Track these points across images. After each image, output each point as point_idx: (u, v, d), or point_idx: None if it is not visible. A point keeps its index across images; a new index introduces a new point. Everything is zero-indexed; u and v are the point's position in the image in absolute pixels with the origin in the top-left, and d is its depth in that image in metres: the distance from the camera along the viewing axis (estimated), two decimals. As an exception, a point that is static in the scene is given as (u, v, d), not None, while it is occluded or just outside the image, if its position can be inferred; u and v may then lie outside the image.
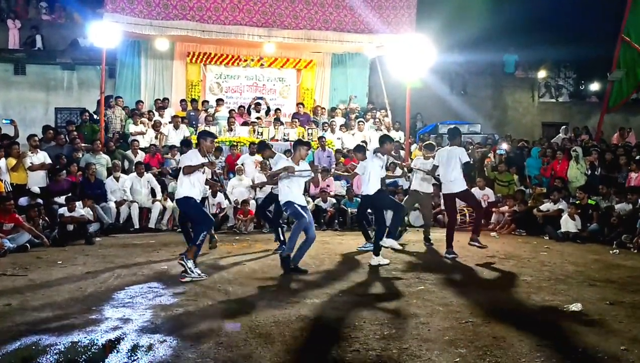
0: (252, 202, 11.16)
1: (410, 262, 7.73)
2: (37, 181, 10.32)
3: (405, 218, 11.73)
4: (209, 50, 15.19)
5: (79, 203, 9.76)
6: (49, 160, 10.60)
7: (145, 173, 11.19)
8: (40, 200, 9.68)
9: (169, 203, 11.05)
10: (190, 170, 6.52)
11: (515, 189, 12.25)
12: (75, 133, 12.13)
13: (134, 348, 4.18)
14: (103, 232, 10.17)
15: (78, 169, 11.01)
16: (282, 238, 8.30)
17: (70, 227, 9.41)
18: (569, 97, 20.77)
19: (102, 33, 11.64)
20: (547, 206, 10.89)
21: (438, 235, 9.69)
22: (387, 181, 10.21)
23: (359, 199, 9.50)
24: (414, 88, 14.22)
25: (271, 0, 13.06)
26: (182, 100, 14.76)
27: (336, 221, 11.40)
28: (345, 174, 10.78)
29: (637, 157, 11.95)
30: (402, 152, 13.04)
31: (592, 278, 6.79)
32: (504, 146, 13.91)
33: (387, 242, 7.73)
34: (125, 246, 9.02)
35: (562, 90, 20.62)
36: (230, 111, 14.18)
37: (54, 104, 15.64)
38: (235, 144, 12.76)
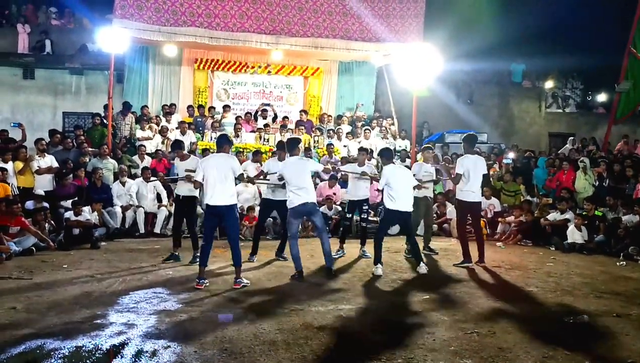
0: (257, 209, 11.14)
1: (415, 272, 7.69)
2: (43, 185, 10.36)
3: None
4: (217, 57, 15.26)
5: (87, 208, 9.78)
6: (55, 164, 10.64)
7: (151, 178, 11.20)
8: (46, 204, 9.71)
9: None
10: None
11: (522, 199, 12.20)
12: (83, 137, 12.18)
13: (138, 354, 4.18)
14: (109, 237, 10.18)
15: (85, 173, 11.04)
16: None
17: (76, 231, 9.42)
18: (576, 107, 20.70)
19: (111, 38, 11.70)
20: (553, 216, 10.84)
21: (443, 244, 9.67)
22: None
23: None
24: (421, 96, 14.21)
25: (279, 7, 13.11)
26: (189, 106, 14.82)
27: (341, 229, 11.34)
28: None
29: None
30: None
31: (599, 290, 6.75)
32: (511, 155, 13.86)
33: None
34: (131, 251, 9.03)
35: (569, 100, 20.57)
36: (237, 118, 14.22)
37: (61, 109, 15.71)
38: (241, 150, 12.78)
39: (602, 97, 20.93)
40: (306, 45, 13.38)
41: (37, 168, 10.36)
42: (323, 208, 11.42)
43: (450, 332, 4.85)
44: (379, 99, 16.99)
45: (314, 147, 13.50)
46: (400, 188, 7.63)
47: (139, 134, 13.04)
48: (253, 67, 15.60)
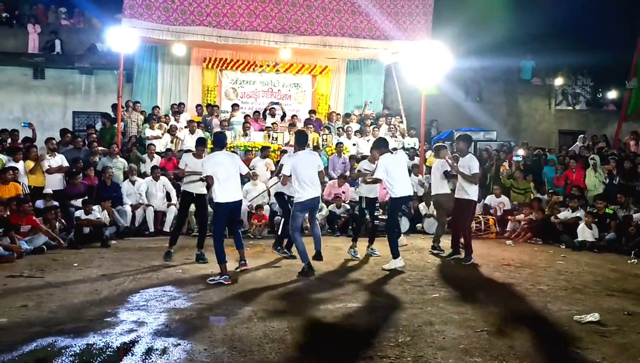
0: (267, 207, 11.17)
1: (425, 270, 7.68)
2: (54, 184, 10.44)
3: (419, 225, 11.74)
4: (225, 56, 15.29)
5: (97, 207, 9.84)
6: (66, 163, 10.72)
7: (160, 177, 11.25)
8: (56, 203, 9.78)
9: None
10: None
11: (532, 197, 12.14)
12: (95, 136, 12.25)
13: (148, 352, 4.20)
14: (119, 235, 10.24)
15: (95, 172, 11.11)
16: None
17: (87, 230, 9.48)
18: (586, 104, 20.53)
19: (120, 38, 11.76)
20: (564, 214, 10.78)
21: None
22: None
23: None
24: (430, 94, 14.16)
25: (287, 6, 13.10)
26: (197, 105, 14.86)
27: (350, 227, 11.36)
28: None
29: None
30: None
31: (610, 288, 6.70)
32: (521, 152, 13.78)
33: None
34: (141, 249, 9.08)
35: (579, 97, 20.40)
36: (246, 116, 14.24)
37: (71, 108, 15.79)
38: (250, 148, 12.80)
39: (612, 94, 20.74)
40: (314, 44, 13.37)
41: (48, 167, 10.43)
42: (332, 207, 11.43)
43: (460, 330, 4.83)
44: (388, 97, 16.95)
45: (323, 145, 13.49)
46: (397, 175, 7.69)
47: (149, 133, 13.09)
48: (261, 66, 15.61)
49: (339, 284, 6.69)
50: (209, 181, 6.95)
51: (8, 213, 8.44)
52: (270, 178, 10.79)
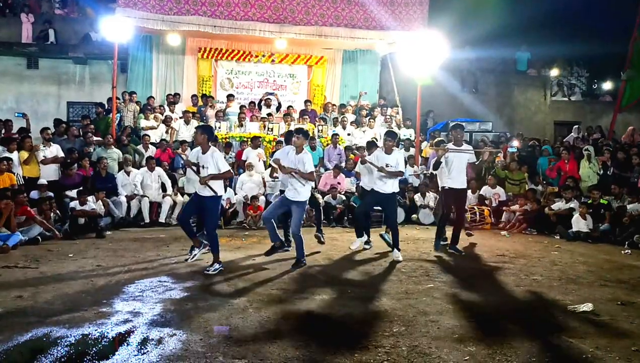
0: (262, 198, 11.17)
1: (420, 260, 7.71)
2: (49, 174, 10.41)
3: (415, 216, 11.76)
4: (220, 46, 15.23)
5: (91, 198, 9.82)
6: (61, 154, 10.68)
7: (155, 167, 11.23)
8: (51, 194, 9.75)
9: (179, 198, 11.09)
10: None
11: (527, 188, 12.17)
12: (92, 126, 12.20)
13: (144, 342, 4.20)
14: (114, 226, 10.23)
15: (90, 163, 11.07)
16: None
17: (82, 221, 9.46)
18: (582, 95, 20.56)
19: (114, 28, 11.69)
20: (558, 205, 10.82)
21: (448, 233, 9.64)
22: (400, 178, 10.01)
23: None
24: (425, 85, 14.15)
25: (283, -5, 13.05)
26: (193, 95, 14.80)
27: (345, 218, 11.39)
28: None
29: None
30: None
31: (604, 278, 6.74)
32: (515, 143, 13.81)
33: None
34: (136, 240, 9.07)
35: (574, 88, 20.43)
36: (241, 107, 14.20)
37: (66, 98, 15.73)
38: (245, 139, 12.78)
39: (607, 85, 20.78)
40: (310, 34, 13.35)
41: (43, 157, 10.39)
42: (327, 198, 11.44)
43: (454, 320, 4.86)
44: (384, 88, 16.93)
45: (318, 136, 13.47)
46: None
47: (143, 123, 13.05)
48: (257, 56, 15.57)
49: (334, 274, 6.70)
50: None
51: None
52: (267, 170, 10.70)
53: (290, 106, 14.91)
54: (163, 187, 11.29)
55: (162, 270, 6.78)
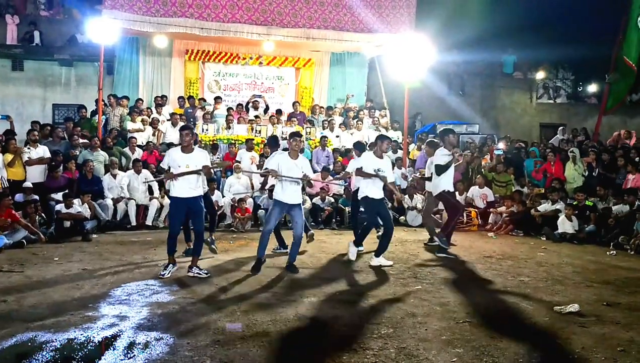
0: (250, 201, 11.14)
1: (407, 262, 7.72)
2: (34, 176, 10.27)
3: (402, 218, 11.79)
4: (208, 48, 15.16)
5: (77, 201, 9.72)
6: (48, 155, 10.55)
7: (142, 170, 11.15)
8: (36, 197, 9.64)
9: (166, 201, 11.00)
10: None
11: (513, 190, 12.25)
12: (78, 129, 12.07)
13: (131, 346, 4.18)
14: (100, 229, 10.13)
15: (76, 166, 10.97)
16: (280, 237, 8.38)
17: (67, 224, 9.36)
18: (567, 98, 20.76)
19: (101, 29, 11.59)
20: (544, 206, 10.91)
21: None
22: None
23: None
24: (413, 88, 14.19)
25: (270, -2, 13.04)
26: (179, 98, 14.73)
27: (334, 220, 11.39)
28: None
29: (637, 159, 11.97)
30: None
31: (589, 279, 6.80)
32: (501, 146, 13.90)
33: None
34: (122, 243, 9.00)
35: (560, 91, 20.62)
36: (229, 109, 14.16)
37: (51, 100, 15.56)
38: (233, 142, 12.74)
39: (593, 88, 21.00)
40: (298, 36, 13.32)
41: (28, 158, 10.27)
42: (316, 200, 11.43)
43: (442, 322, 4.87)
44: (371, 90, 16.96)
45: (307, 138, 13.46)
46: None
47: (130, 126, 12.95)
48: (244, 58, 15.52)
49: (323, 277, 6.70)
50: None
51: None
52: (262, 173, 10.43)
53: (280, 110, 14.85)
54: (150, 190, 11.21)
55: (148, 273, 6.73)
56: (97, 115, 12.60)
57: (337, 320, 4.92)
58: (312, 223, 11.27)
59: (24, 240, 8.47)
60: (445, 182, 8.23)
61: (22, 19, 15.82)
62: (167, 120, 13.44)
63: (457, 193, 10.33)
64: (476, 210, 11.70)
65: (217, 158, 12.21)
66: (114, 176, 10.98)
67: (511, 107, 19.98)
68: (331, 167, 12.53)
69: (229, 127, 13.33)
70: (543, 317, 5.12)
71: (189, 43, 14.96)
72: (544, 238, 10.30)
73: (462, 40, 17.47)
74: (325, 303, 5.43)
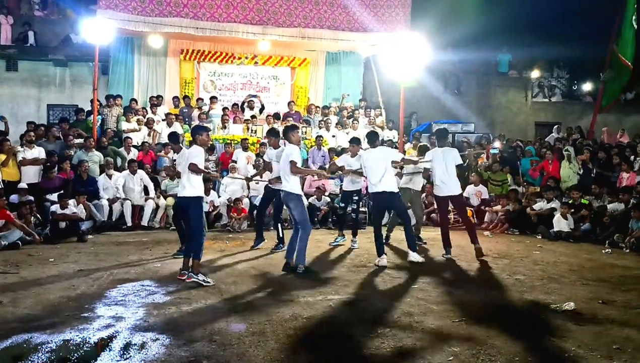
0: (246, 200, 11.13)
1: (404, 261, 7.72)
2: (29, 177, 10.24)
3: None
4: (203, 48, 15.13)
5: (72, 201, 9.69)
6: (43, 156, 10.51)
7: (138, 170, 11.13)
8: (31, 197, 9.60)
9: (162, 201, 11.00)
10: (197, 169, 6.32)
11: (509, 189, 12.28)
12: (75, 129, 12.03)
13: (127, 347, 4.16)
14: (95, 230, 10.12)
15: (70, 166, 10.93)
16: (281, 235, 8.39)
17: (63, 225, 9.33)
18: (562, 97, 20.82)
19: (95, 29, 11.56)
20: (540, 205, 10.93)
21: (432, 234, 9.71)
22: None
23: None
24: (408, 87, 14.21)
25: (266, -2, 13.03)
26: (174, 97, 14.69)
27: (329, 219, 11.39)
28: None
29: (632, 158, 12.03)
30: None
31: (585, 277, 6.82)
32: (497, 145, 13.93)
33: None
34: (118, 244, 8.98)
35: (555, 90, 20.67)
36: (224, 109, 14.14)
37: (46, 101, 15.51)
38: (229, 141, 12.73)
39: (587, 86, 21.08)
40: (293, 36, 13.32)
41: (22, 158, 10.23)
42: (312, 199, 11.43)
43: (438, 320, 4.88)
44: (367, 90, 16.97)
45: (303, 138, 13.45)
46: (371, 171, 7.59)
47: (125, 126, 12.92)
48: (240, 58, 15.50)
49: (319, 276, 6.69)
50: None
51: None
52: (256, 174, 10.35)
53: (277, 113, 14.76)
54: (145, 190, 11.19)
55: (144, 274, 6.72)
56: (91, 116, 12.55)
57: (333, 320, 4.92)
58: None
59: (19, 241, 8.44)
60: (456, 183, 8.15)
61: (16, 19, 15.76)
62: (163, 120, 13.41)
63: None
64: (472, 209, 11.72)
65: (213, 158, 12.21)
66: (110, 176, 10.96)
67: (506, 106, 20.03)
68: (327, 166, 12.52)
69: (224, 127, 13.31)
70: (539, 316, 5.13)
71: (184, 43, 14.92)
72: (540, 237, 10.32)
73: (457, 39, 17.51)
74: (321, 303, 5.43)
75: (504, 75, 20.16)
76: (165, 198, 11.00)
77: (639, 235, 8.85)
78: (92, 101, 12.67)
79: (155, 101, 14.04)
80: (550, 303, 5.48)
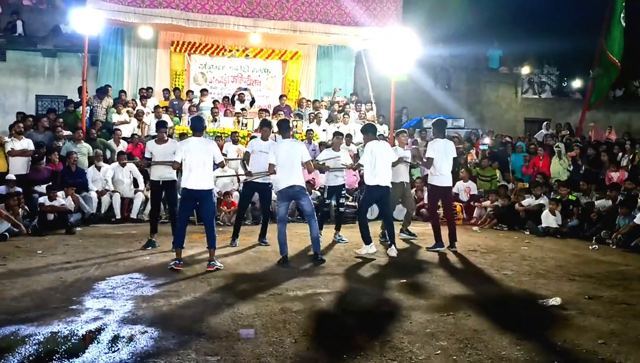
0: (236, 194, 11.10)
1: (392, 256, 7.75)
2: (17, 168, 10.16)
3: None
4: (194, 40, 15.05)
5: (61, 193, 9.62)
6: (32, 147, 10.43)
7: (127, 163, 11.06)
8: (19, 189, 9.53)
9: (152, 194, 10.94)
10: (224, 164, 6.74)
11: (498, 184, 12.34)
12: (61, 120, 11.93)
13: (115, 339, 4.15)
14: (84, 222, 10.06)
15: (59, 158, 10.85)
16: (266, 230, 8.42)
17: (51, 217, 9.27)
18: (552, 93, 20.93)
19: (85, 20, 11.47)
20: (528, 201, 11.01)
21: (421, 229, 9.75)
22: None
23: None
24: (399, 82, 14.22)
25: (257, -10, 12.97)
26: (164, 90, 14.60)
27: (319, 213, 11.37)
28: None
29: (619, 155, 12.13)
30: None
31: (572, 273, 6.88)
32: (487, 141, 13.99)
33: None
34: (107, 236, 8.94)
35: (545, 86, 20.78)
36: (214, 101, 14.08)
37: (34, 91, 15.36)
38: (219, 134, 12.68)
39: (577, 83, 21.23)
40: (285, 29, 13.28)
41: (10, 149, 10.14)
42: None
43: (426, 315, 4.91)
44: (358, 84, 16.97)
45: (294, 132, 13.43)
46: (378, 164, 7.69)
47: (115, 118, 12.84)
48: (231, 51, 15.43)
49: (308, 271, 6.71)
50: (174, 167, 6.85)
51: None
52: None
53: (266, 110, 14.67)
54: (135, 183, 11.13)
55: (133, 266, 6.70)
56: (80, 107, 12.46)
57: (322, 314, 4.94)
58: (298, 217, 11.30)
59: (6, 233, 8.39)
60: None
61: (5, 8, 15.57)
62: (152, 112, 13.33)
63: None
64: (461, 204, 11.79)
65: None
66: (99, 168, 10.89)
67: (496, 102, 20.11)
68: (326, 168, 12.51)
69: (215, 120, 13.26)
70: (526, 310, 5.17)
71: (174, 34, 14.83)
72: (528, 233, 10.39)
73: (448, 34, 17.55)
74: (310, 297, 5.44)
75: (494, 71, 20.23)
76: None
77: (625, 232, 8.92)
78: (80, 91, 12.56)
79: (145, 93, 13.95)
80: (538, 298, 5.53)
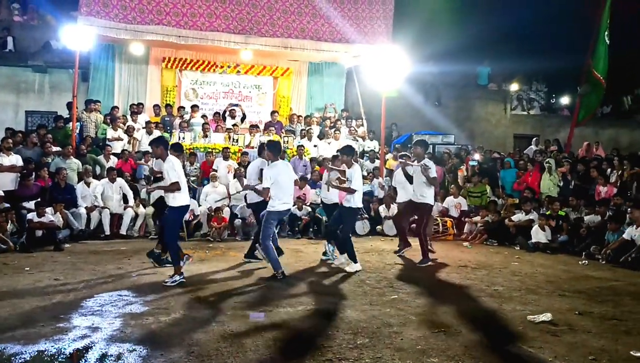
0: (226, 210, 11.08)
1: (384, 272, 7.74)
2: (5, 184, 10.08)
3: (379, 227, 11.84)
4: (185, 56, 15.09)
5: (50, 209, 9.54)
6: (20, 163, 10.36)
7: (117, 179, 11.01)
8: (7, 205, 9.44)
9: (141, 210, 10.90)
10: None
11: (488, 200, 12.39)
12: (49, 136, 11.88)
13: (103, 358, 4.10)
14: (73, 239, 9.97)
15: (48, 174, 10.78)
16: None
17: (39, 233, 9.18)
18: (540, 109, 21.15)
19: (76, 36, 11.48)
20: (518, 217, 11.05)
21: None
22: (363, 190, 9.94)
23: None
24: (389, 98, 14.31)
25: (248, 7, 13.06)
26: (155, 105, 14.60)
27: (310, 229, 11.39)
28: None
29: (608, 171, 12.23)
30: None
31: (562, 288, 6.90)
32: (476, 157, 14.07)
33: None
34: (96, 253, 8.86)
35: (533, 103, 20.99)
36: (203, 116, 14.11)
37: (24, 107, 15.30)
38: (210, 150, 12.67)
39: (565, 100, 21.47)
40: (275, 46, 13.37)
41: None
42: (293, 209, 11.41)
43: (417, 331, 4.89)
44: (349, 100, 17.07)
45: (285, 148, 13.45)
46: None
47: (110, 134, 12.83)
48: (222, 67, 15.48)
49: (299, 287, 6.68)
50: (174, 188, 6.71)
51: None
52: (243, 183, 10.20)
53: (257, 125, 14.67)
54: (125, 199, 11.08)
55: (122, 283, 6.64)
56: (70, 123, 12.41)
57: (312, 330, 4.91)
58: (289, 233, 11.30)
59: (-7, 250, 8.29)
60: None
61: (-5, 24, 15.56)
62: (143, 128, 13.31)
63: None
64: (451, 219, 11.82)
65: (195, 168, 12.16)
66: (88, 184, 10.84)
67: (486, 118, 20.27)
68: (309, 176, 12.54)
69: (206, 136, 13.26)
70: (517, 326, 5.17)
71: (166, 51, 14.87)
72: (518, 248, 10.43)
73: (438, 51, 17.71)
74: (300, 313, 5.41)
75: (483, 88, 20.44)
76: (144, 206, 10.91)
77: (614, 247, 8.98)
78: (69, 107, 12.52)
79: (136, 109, 13.94)
80: (528, 314, 5.53)
